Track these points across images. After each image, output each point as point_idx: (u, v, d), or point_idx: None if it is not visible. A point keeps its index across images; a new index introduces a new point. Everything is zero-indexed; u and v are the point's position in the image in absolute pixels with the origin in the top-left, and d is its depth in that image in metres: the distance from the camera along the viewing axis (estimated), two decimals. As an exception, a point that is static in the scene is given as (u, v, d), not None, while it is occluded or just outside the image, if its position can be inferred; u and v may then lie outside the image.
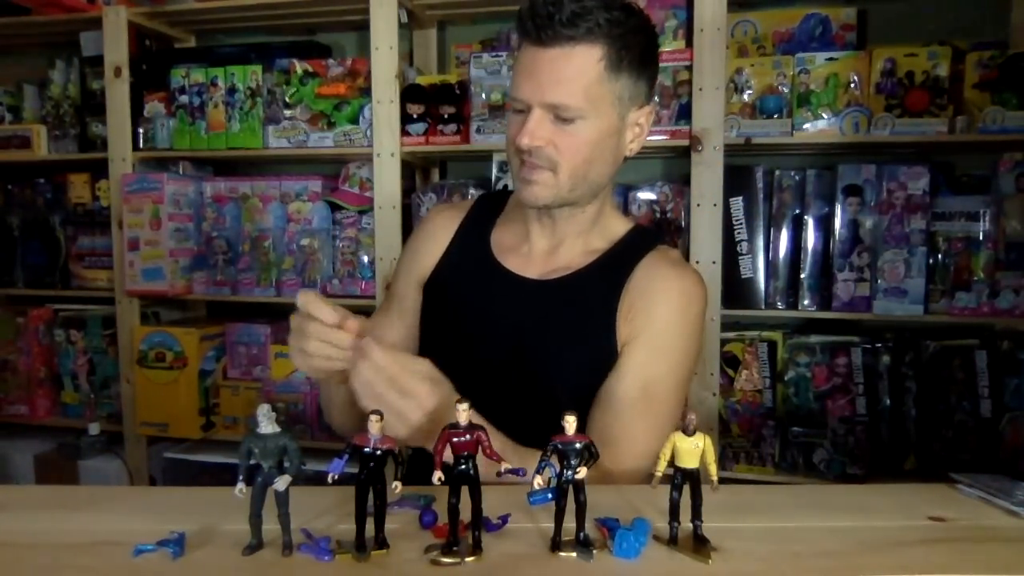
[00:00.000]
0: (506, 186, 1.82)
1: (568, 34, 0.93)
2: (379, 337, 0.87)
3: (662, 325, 1.03)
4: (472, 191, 1.88)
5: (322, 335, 0.86)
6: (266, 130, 1.95)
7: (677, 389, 1.04)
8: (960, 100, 1.61)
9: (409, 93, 1.85)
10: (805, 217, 1.72)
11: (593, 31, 0.94)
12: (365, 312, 2.28)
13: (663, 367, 1.02)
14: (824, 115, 1.66)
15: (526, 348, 1.04)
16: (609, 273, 1.06)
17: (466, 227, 1.16)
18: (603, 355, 1.03)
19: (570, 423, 0.65)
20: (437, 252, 1.16)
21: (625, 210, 1.84)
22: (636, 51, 0.98)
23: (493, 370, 1.04)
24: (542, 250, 1.10)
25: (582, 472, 0.64)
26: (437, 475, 0.64)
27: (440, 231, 1.17)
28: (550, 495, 0.67)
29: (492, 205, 1.19)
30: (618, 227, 1.12)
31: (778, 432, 1.75)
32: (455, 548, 0.64)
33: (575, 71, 0.95)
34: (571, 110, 0.96)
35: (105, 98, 2.02)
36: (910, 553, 0.67)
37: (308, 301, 0.86)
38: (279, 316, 2.13)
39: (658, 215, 1.80)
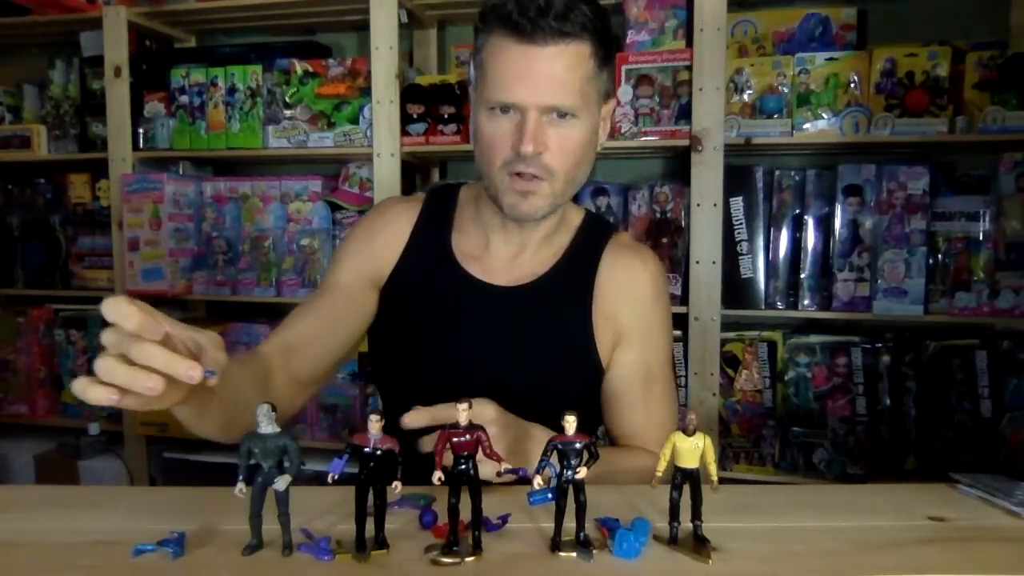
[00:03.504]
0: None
1: (565, 30, 0.89)
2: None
3: (646, 317, 1.06)
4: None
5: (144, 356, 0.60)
6: (266, 130, 1.95)
7: (669, 361, 1.11)
8: (960, 100, 1.61)
9: (409, 93, 1.85)
10: (805, 217, 1.72)
11: (585, 26, 0.90)
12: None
13: (658, 353, 1.07)
14: (824, 115, 1.66)
15: (500, 358, 1.02)
16: (575, 273, 1.05)
17: (423, 227, 1.10)
18: (580, 357, 1.03)
19: (570, 423, 0.65)
20: (394, 252, 1.09)
21: (625, 210, 1.84)
22: (610, 45, 0.96)
23: (463, 382, 0.99)
24: (506, 256, 1.06)
25: (582, 472, 0.64)
26: (437, 475, 0.64)
27: (396, 228, 1.10)
28: (550, 495, 0.67)
29: (444, 201, 1.12)
30: (574, 217, 1.10)
31: (778, 432, 1.75)
32: (455, 548, 0.64)
33: (571, 69, 0.91)
34: (568, 111, 0.92)
35: (105, 98, 2.02)
36: (910, 553, 0.67)
37: (118, 310, 0.60)
38: (279, 316, 2.12)
39: (658, 215, 1.80)
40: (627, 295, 1.05)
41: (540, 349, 1.02)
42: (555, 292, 1.04)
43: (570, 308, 1.04)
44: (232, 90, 1.96)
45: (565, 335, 1.03)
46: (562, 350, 1.03)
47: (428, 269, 1.07)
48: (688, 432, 0.66)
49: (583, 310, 1.03)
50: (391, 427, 1.09)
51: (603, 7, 0.95)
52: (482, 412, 0.80)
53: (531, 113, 0.91)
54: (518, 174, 0.94)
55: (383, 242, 1.09)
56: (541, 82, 0.90)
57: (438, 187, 1.17)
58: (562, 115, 0.92)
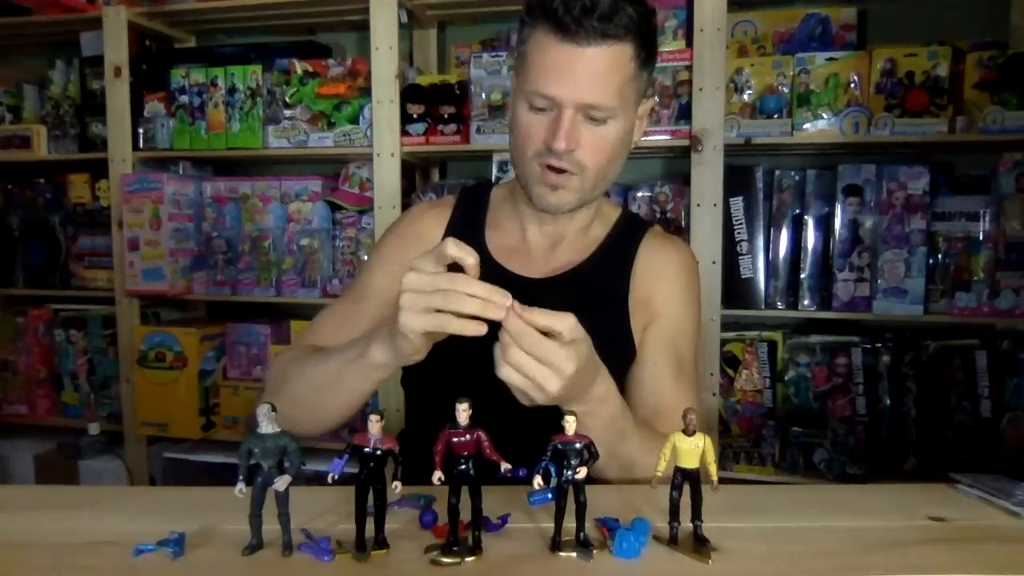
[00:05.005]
0: (492, 180, 1.81)
1: (608, 32, 0.89)
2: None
3: (678, 304, 1.08)
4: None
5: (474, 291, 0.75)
6: (266, 130, 1.95)
7: (695, 350, 1.12)
8: (960, 100, 1.61)
9: (409, 93, 1.85)
10: (805, 217, 1.72)
11: (629, 28, 0.91)
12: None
13: (687, 341, 1.09)
14: (824, 115, 1.66)
15: None
16: (611, 264, 1.07)
17: (456, 228, 1.10)
18: (619, 345, 1.04)
19: (570, 423, 0.65)
20: None
21: (625, 210, 1.84)
22: (654, 46, 0.97)
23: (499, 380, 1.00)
24: (542, 248, 1.08)
25: (582, 472, 0.64)
26: (437, 475, 0.64)
27: (429, 233, 1.10)
28: (550, 495, 0.67)
29: (476, 201, 1.14)
30: (611, 212, 1.13)
31: (778, 432, 1.75)
32: (455, 548, 0.64)
33: (611, 70, 0.91)
34: (605, 110, 0.93)
35: (105, 98, 2.02)
36: (910, 553, 0.67)
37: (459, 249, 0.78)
38: (279, 316, 2.12)
39: (658, 215, 1.80)
40: (661, 279, 1.08)
41: None
42: (592, 280, 1.05)
43: (607, 295, 1.05)
44: (232, 90, 1.96)
45: (602, 322, 1.01)
46: (598, 337, 1.02)
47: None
48: (688, 432, 0.66)
49: (620, 296, 1.06)
50: (417, 424, 1.11)
51: (650, 8, 0.95)
52: (565, 319, 0.78)
53: (567, 110, 0.91)
54: (549, 166, 0.95)
55: (416, 251, 1.06)
56: (580, 80, 0.91)
57: (470, 187, 1.18)
58: (599, 115, 0.93)
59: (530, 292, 1.02)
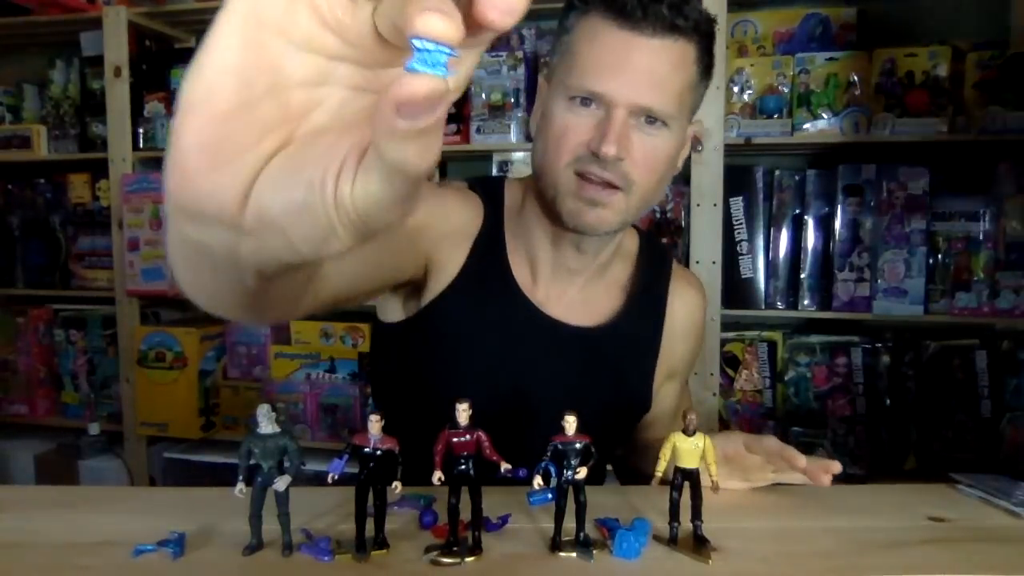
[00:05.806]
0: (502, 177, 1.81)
1: (677, 23, 0.77)
2: None
3: (695, 349, 1.08)
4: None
5: None
6: (266, 130, 1.95)
7: None
8: (960, 100, 1.61)
9: (409, 93, 1.84)
10: (805, 217, 1.72)
11: (698, 26, 0.79)
12: (367, 315, 2.25)
13: (692, 368, 1.14)
14: (824, 115, 1.66)
15: (555, 395, 0.90)
16: (645, 320, 0.99)
17: (482, 242, 0.92)
18: (638, 400, 1.00)
19: (570, 423, 0.65)
20: (456, 259, 0.91)
21: (625, 210, 1.84)
22: (713, 57, 0.85)
23: (506, 414, 0.89)
24: (552, 282, 0.94)
25: (582, 472, 0.64)
26: (437, 475, 0.64)
27: (462, 230, 0.92)
28: (550, 495, 0.67)
29: (498, 210, 0.95)
30: (629, 243, 1.02)
31: (778, 432, 1.75)
32: (455, 548, 0.64)
33: (675, 70, 0.79)
34: (661, 116, 0.80)
35: (105, 98, 2.02)
36: (910, 553, 0.67)
37: None
38: (279, 316, 2.12)
39: (658, 215, 1.80)
40: (687, 334, 1.04)
41: (600, 392, 0.96)
42: (625, 340, 0.97)
43: (638, 357, 0.99)
44: (232, 90, 1.96)
45: (628, 381, 0.99)
46: (620, 393, 0.99)
47: (487, 293, 0.92)
48: (688, 432, 0.66)
49: (650, 354, 1.00)
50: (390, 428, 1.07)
51: (712, 16, 0.85)
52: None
53: (619, 111, 0.78)
54: (587, 180, 0.81)
55: (451, 238, 0.91)
56: (639, 77, 0.78)
57: (488, 188, 0.97)
58: (652, 120, 0.80)
59: (558, 338, 0.92)
